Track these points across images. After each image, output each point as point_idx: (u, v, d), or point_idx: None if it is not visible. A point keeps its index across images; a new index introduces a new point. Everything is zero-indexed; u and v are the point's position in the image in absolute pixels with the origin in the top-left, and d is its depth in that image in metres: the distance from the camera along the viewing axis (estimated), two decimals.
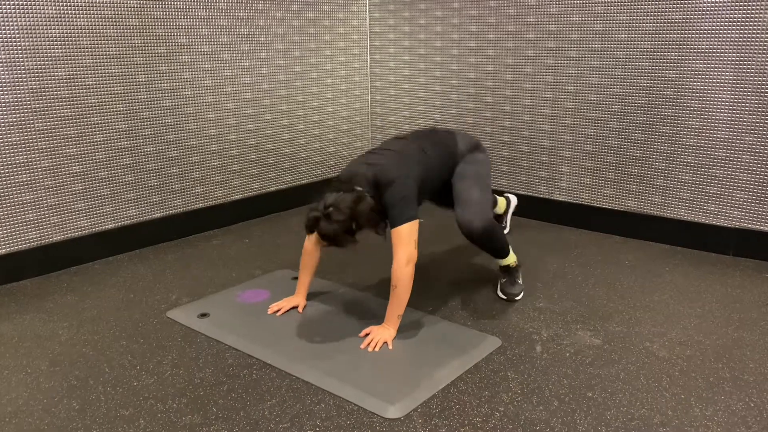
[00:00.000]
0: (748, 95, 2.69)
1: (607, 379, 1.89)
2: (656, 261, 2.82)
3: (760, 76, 2.65)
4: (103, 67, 2.76)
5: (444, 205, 2.53)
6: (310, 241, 2.29)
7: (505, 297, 2.44)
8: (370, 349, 2.05)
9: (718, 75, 2.75)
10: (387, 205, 2.07)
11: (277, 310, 2.32)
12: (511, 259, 2.48)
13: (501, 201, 3.11)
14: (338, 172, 2.23)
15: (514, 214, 3.22)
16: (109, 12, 2.74)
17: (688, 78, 2.83)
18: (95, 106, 2.77)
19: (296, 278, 2.45)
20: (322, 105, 3.76)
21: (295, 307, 2.35)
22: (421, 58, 3.72)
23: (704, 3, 2.72)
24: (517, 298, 2.43)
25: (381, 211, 2.07)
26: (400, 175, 2.09)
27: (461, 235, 3.19)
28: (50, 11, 2.57)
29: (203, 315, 2.31)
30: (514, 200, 3.19)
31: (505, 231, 3.15)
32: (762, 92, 2.66)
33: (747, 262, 2.78)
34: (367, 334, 2.12)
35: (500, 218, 3.16)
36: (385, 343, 2.08)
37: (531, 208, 3.42)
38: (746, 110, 2.71)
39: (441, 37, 3.60)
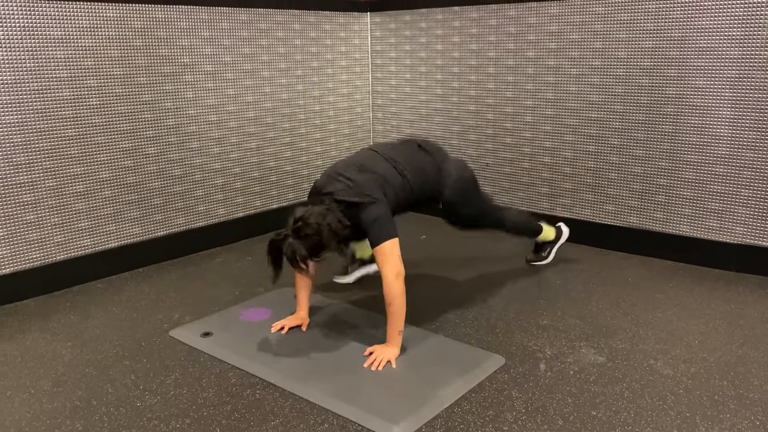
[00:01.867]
0: (748, 111, 2.71)
1: (612, 398, 1.88)
2: (659, 277, 2.81)
3: (759, 93, 2.67)
4: (107, 88, 2.79)
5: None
6: None
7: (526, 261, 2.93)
8: (373, 368, 2.05)
9: (718, 92, 2.76)
10: (365, 224, 2.06)
11: (281, 329, 2.32)
12: (545, 236, 2.86)
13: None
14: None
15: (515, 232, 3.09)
16: (113, 33, 2.77)
17: (688, 95, 2.84)
18: (99, 125, 2.79)
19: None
20: (324, 122, 3.78)
21: (298, 326, 2.35)
22: (422, 76, 3.74)
23: (703, 21, 2.74)
24: (533, 263, 2.93)
25: (350, 228, 2.05)
26: (376, 195, 2.07)
27: (463, 253, 3.20)
28: (55, 33, 2.60)
29: (206, 334, 2.31)
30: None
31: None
32: (762, 108, 2.67)
33: (750, 277, 2.78)
34: (370, 353, 2.12)
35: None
36: (389, 362, 2.08)
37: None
38: (746, 126, 2.72)
39: (442, 55, 3.62)
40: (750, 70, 2.67)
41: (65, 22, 2.62)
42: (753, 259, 2.80)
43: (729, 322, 2.36)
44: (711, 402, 1.85)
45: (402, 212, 2.28)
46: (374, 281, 2.79)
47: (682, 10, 2.79)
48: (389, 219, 2.08)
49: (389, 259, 2.04)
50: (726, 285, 2.71)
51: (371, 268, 2.78)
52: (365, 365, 2.06)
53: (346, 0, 3.74)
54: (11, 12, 2.47)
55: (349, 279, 2.76)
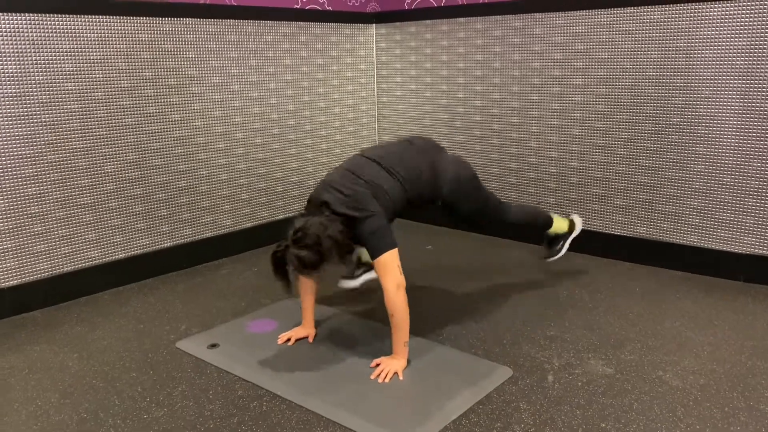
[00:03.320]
0: (755, 122, 2.70)
1: (621, 410, 1.87)
2: (667, 288, 2.80)
3: (766, 103, 2.66)
4: (114, 100, 2.81)
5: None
6: None
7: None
8: (380, 380, 2.04)
9: (725, 102, 2.76)
10: (363, 236, 2.04)
11: (287, 340, 2.32)
12: (556, 227, 2.74)
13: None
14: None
15: (520, 239, 3.09)
16: (121, 45, 2.79)
17: (694, 105, 2.84)
18: (106, 138, 2.81)
19: None
20: (330, 133, 3.80)
21: (304, 337, 2.34)
22: (428, 87, 3.75)
23: (710, 30, 2.74)
24: (547, 259, 2.79)
25: (350, 238, 2.03)
26: (372, 208, 2.05)
27: (469, 263, 3.19)
28: (64, 46, 2.62)
29: (213, 345, 2.31)
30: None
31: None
32: None
33: (759, 288, 2.76)
34: (377, 365, 2.11)
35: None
36: (396, 373, 2.07)
37: (540, 234, 3.41)
38: (753, 136, 2.72)
39: (447, 66, 3.63)
40: (756, 79, 2.66)
41: (73, 35, 2.64)
42: (761, 269, 2.78)
43: (738, 333, 2.34)
44: (721, 414, 1.84)
45: (399, 214, 2.24)
46: (380, 292, 2.78)
47: (687, 21, 2.79)
48: (387, 229, 2.06)
49: (389, 271, 2.03)
50: (734, 295, 2.69)
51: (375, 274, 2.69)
52: (372, 377, 2.05)
53: (351, 12, 3.76)
54: (20, 25, 2.50)
55: (356, 283, 2.63)
